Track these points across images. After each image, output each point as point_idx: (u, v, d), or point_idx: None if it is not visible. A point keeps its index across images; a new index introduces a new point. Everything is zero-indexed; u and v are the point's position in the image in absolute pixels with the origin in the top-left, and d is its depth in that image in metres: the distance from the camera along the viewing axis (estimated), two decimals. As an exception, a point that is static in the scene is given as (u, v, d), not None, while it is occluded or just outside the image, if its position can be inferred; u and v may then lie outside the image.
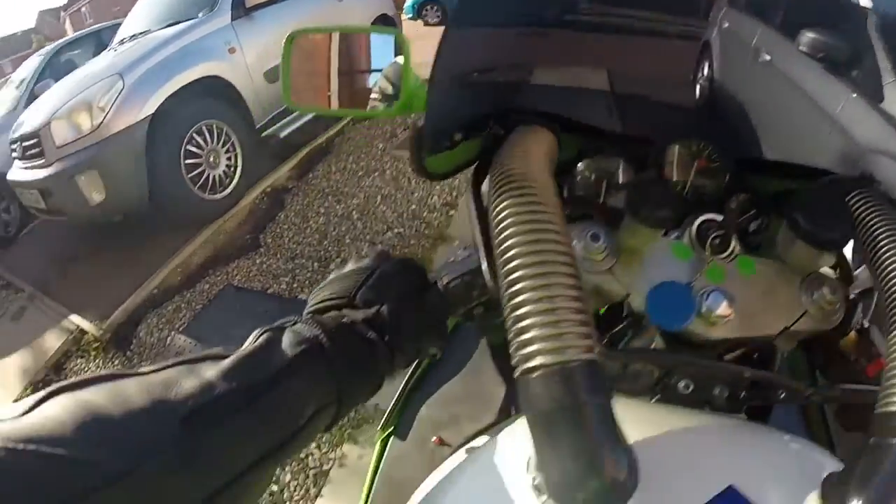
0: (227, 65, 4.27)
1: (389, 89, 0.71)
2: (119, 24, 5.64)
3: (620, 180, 0.62)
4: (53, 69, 6.21)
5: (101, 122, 3.58)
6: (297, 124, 4.77)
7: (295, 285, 3.46)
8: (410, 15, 14.15)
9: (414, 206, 3.82)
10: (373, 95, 0.75)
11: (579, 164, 0.63)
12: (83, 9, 36.57)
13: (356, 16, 5.84)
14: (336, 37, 0.81)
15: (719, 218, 0.57)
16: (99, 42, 6.66)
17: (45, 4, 48.76)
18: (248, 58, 4.45)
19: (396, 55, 0.71)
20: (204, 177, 3.94)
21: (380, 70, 0.74)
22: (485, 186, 0.57)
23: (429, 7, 14.29)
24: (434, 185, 3.89)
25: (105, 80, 3.73)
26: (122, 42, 4.78)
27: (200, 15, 4.42)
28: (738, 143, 0.78)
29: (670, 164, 0.61)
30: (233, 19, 4.45)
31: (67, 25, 35.94)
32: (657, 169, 0.61)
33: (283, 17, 4.94)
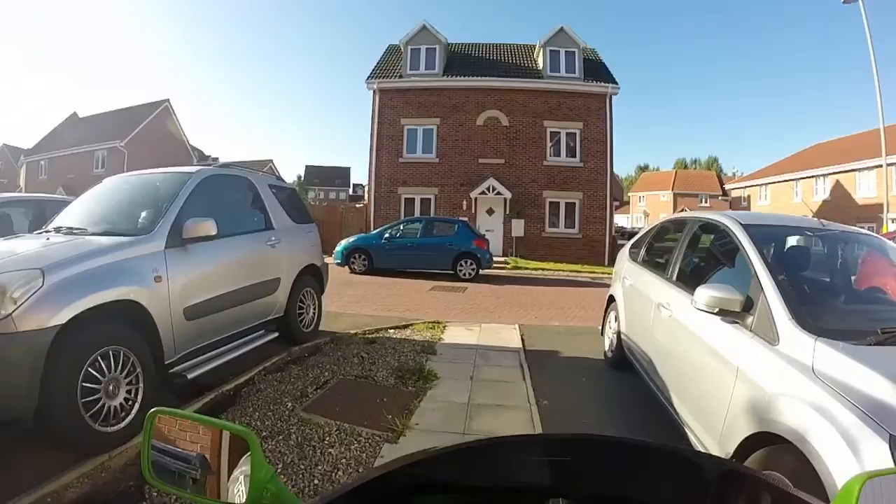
0: (151, 293, 3.99)
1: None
2: (65, 203, 5.75)
3: None
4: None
5: (9, 315, 3.11)
6: (208, 367, 4.50)
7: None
8: (339, 260, 15.94)
9: (316, 481, 3.29)
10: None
11: None
12: (42, 162, 39.78)
13: (286, 263, 6.19)
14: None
15: None
16: (39, 210, 6.68)
17: (12, 141, 51.76)
18: (173, 290, 4.21)
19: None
20: (99, 405, 3.47)
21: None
22: None
23: (356, 255, 16.01)
24: (340, 460, 3.56)
25: (26, 271, 3.32)
26: (57, 230, 4.55)
27: (137, 234, 4.23)
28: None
29: None
30: (167, 247, 4.28)
31: (22, 171, 40.50)
32: None
33: (218, 253, 4.87)
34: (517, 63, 25.94)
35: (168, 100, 41.58)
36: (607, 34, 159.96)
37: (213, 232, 4.49)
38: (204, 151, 57.47)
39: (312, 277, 7.01)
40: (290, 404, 4.42)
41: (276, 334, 5.90)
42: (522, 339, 7.46)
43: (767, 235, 3.74)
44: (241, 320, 5.26)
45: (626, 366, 5.35)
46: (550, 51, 24.63)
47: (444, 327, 7.92)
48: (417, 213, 23.16)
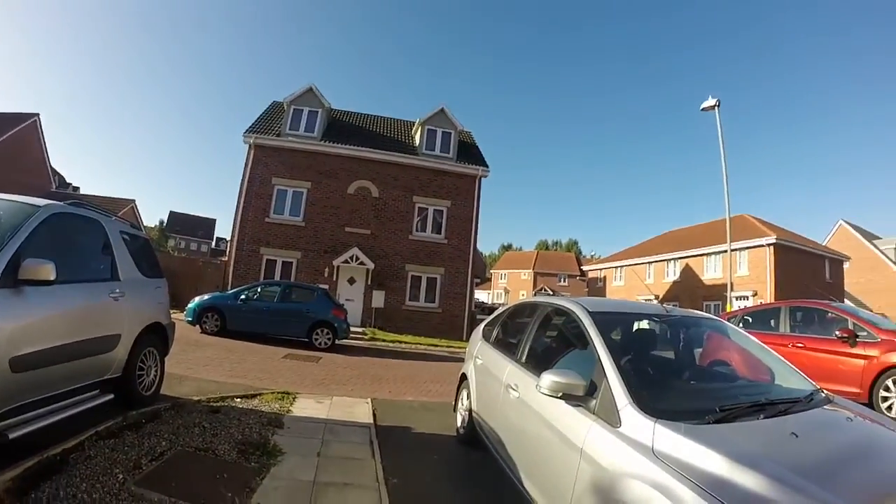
0: None
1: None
2: None
3: None
4: None
5: None
6: (33, 426, 4.05)
7: None
8: (190, 318, 15.35)
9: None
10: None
11: None
12: None
13: (128, 319, 5.74)
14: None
15: None
16: None
17: None
18: (0, 336, 3.67)
19: None
20: None
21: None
22: None
23: (209, 314, 15.44)
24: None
25: None
26: None
27: None
28: None
29: None
30: None
31: None
32: None
33: (55, 300, 4.39)
34: (395, 137, 26.91)
35: (38, 115, 37.28)
36: (484, 117, 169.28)
37: (52, 277, 4.02)
38: (66, 177, 52.77)
39: (157, 336, 6.56)
40: (121, 476, 4.02)
41: (112, 396, 5.40)
42: (374, 414, 7.39)
43: (612, 322, 4.05)
44: (74, 377, 4.77)
45: (477, 443, 5.44)
46: (428, 129, 25.85)
47: (293, 399, 7.66)
48: (278, 276, 22.62)
